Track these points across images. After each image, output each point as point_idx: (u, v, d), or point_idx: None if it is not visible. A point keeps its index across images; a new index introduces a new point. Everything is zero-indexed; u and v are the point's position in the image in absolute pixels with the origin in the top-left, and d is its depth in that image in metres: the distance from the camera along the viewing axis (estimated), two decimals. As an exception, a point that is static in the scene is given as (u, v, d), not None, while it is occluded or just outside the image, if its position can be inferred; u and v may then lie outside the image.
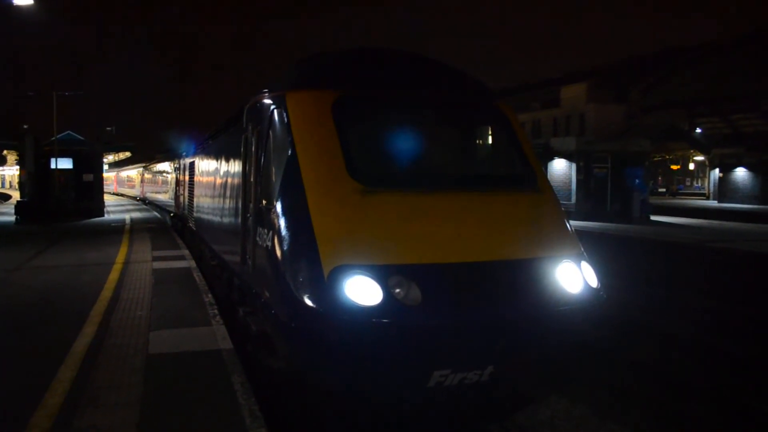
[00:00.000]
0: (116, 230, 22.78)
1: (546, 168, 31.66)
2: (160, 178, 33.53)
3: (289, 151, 6.15)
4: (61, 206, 28.57)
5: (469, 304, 5.44)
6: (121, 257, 14.78)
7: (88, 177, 31.07)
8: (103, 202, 32.62)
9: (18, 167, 32.77)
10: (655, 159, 54.42)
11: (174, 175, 22.95)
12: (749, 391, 8.58)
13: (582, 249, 6.50)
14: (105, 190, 37.42)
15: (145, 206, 42.17)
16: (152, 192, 39.53)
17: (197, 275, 12.13)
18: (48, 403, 5.34)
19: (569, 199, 30.84)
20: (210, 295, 10.07)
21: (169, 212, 26.77)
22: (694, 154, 52.52)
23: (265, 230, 6.36)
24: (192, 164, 15.91)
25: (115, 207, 40.54)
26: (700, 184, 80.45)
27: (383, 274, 5.29)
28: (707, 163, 50.81)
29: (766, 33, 39.16)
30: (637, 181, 29.39)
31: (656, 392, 8.55)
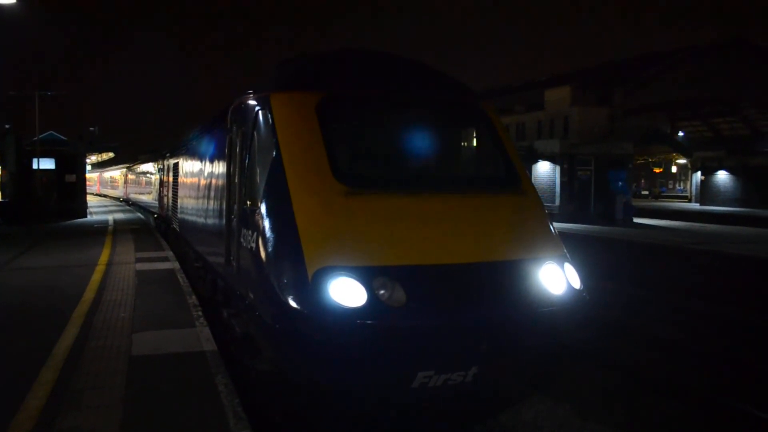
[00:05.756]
0: (99, 231, 22.61)
1: (530, 170, 31.81)
2: (144, 179, 33.29)
3: (274, 153, 6.15)
4: (43, 207, 28.29)
5: (453, 305, 5.46)
6: (103, 258, 14.67)
7: (71, 177, 30.81)
8: (85, 203, 32.35)
9: (-1, 167, 32.39)
10: (638, 162, 54.89)
11: (158, 176, 22.79)
12: (730, 390, 8.68)
13: (565, 250, 6.55)
14: (88, 191, 37.11)
15: (128, 207, 41.86)
16: (136, 193, 39.22)
17: (181, 277, 12.07)
18: (30, 405, 5.29)
19: (553, 201, 31.01)
20: (194, 297, 10.02)
21: (153, 213, 26.59)
22: (676, 157, 53.09)
23: (250, 231, 6.35)
24: (176, 165, 15.82)
25: (98, 208, 40.22)
26: (682, 187, 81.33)
27: (367, 276, 5.30)
28: (689, 166, 51.39)
29: (746, 38, 39.69)
30: (620, 183, 29.61)
31: (638, 392, 8.63)
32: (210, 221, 9.40)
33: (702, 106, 45.25)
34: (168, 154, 18.95)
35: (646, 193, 74.18)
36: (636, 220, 30.06)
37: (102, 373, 6.13)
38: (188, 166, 13.10)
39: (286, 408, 6.61)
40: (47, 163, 30.00)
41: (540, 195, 7.20)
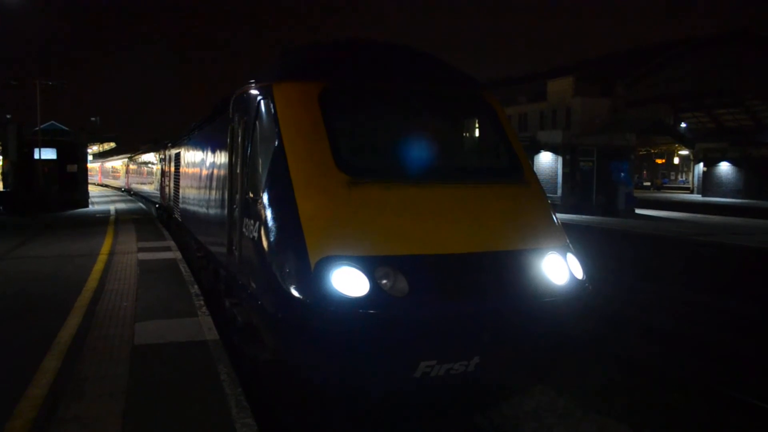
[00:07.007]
0: (101, 221, 22.62)
1: (532, 161, 31.74)
2: (146, 169, 33.30)
3: (276, 142, 6.14)
4: (45, 197, 28.31)
5: (456, 295, 5.46)
6: (106, 248, 14.68)
7: (73, 167, 30.85)
8: (87, 193, 32.39)
9: (0, 157, 32.43)
10: (641, 153, 54.79)
11: (159, 166, 22.80)
12: (732, 382, 8.70)
13: (568, 241, 6.54)
14: (89, 181, 37.11)
15: (130, 197, 41.88)
16: (137, 183, 39.25)
17: (183, 266, 12.08)
18: (32, 394, 5.31)
19: (555, 192, 30.98)
20: (196, 286, 10.03)
21: (155, 203, 26.60)
22: (678, 148, 52.98)
23: (252, 221, 6.34)
24: (178, 155, 15.81)
25: (99, 198, 40.23)
26: (684, 178, 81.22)
27: (370, 265, 5.30)
28: (691, 157, 51.25)
29: (749, 30, 39.52)
30: (622, 174, 29.57)
31: (640, 383, 8.65)
32: (212, 211, 9.40)
33: (705, 98, 45.09)
34: (170, 144, 18.94)
35: (648, 184, 74.03)
36: (638, 211, 30.05)
37: (104, 362, 6.14)
38: (190, 156, 13.09)
39: (288, 397, 6.63)
40: (49, 153, 30.02)
41: (542, 185, 7.18)
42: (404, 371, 5.46)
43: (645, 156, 65.26)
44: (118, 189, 54.77)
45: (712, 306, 13.46)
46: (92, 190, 43.08)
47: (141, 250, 14.42)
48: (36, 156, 28.91)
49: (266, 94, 6.60)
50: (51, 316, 7.94)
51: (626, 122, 34.18)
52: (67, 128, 37.70)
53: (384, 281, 5.27)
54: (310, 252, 5.34)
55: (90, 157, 65.88)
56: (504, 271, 5.78)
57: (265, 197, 6.05)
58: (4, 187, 30.70)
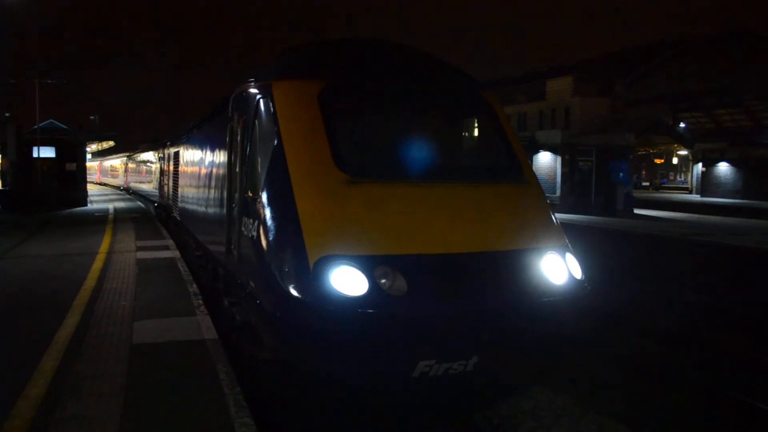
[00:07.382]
0: (99, 220, 22.59)
1: (531, 160, 31.70)
2: (144, 167, 33.25)
3: (275, 141, 6.13)
4: (44, 196, 28.27)
5: (455, 294, 5.46)
6: (104, 247, 14.67)
7: (71, 166, 30.80)
8: (86, 192, 32.32)
9: (-1, 156, 32.42)
10: (639, 153, 54.76)
11: (158, 165, 22.77)
12: (729, 381, 8.70)
13: (567, 240, 6.54)
14: (88, 180, 37.06)
15: (128, 196, 41.83)
16: (136, 182, 39.20)
17: (182, 265, 12.06)
18: (30, 393, 5.30)
19: (554, 192, 30.95)
20: (195, 286, 10.02)
21: (154, 202, 26.59)
22: (677, 148, 52.97)
23: (251, 220, 6.34)
24: (177, 154, 15.80)
25: (98, 196, 40.18)
26: (683, 179, 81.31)
27: (369, 265, 5.30)
28: (690, 157, 51.29)
29: (749, 30, 39.55)
30: (621, 174, 29.54)
31: (638, 383, 8.65)
32: (211, 210, 9.39)
33: (704, 98, 45.10)
34: (169, 143, 18.93)
35: (647, 184, 74.08)
36: (636, 211, 30.05)
37: (103, 361, 6.14)
38: (189, 155, 13.09)
39: (286, 397, 6.62)
40: (47, 152, 29.98)
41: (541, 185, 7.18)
42: (403, 371, 5.46)
43: (644, 156, 65.28)
44: (117, 188, 54.70)
45: (710, 306, 13.47)
46: (91, 188, 43.04)
47: (140, 248, 14.41)
48: (35, 155, 28.87)
49: (265, 92, 6.59)
50: (49, 315, 7.93)
51: (625, 122, 34.14)
52: (66, 127, 37.69)
53: (383, 281, 5.27)
54: (309, 251, 5.33)
55: (89, 156, 65.83)
56: (503, 270, 5.78)
57: (264, 196, 6.05)
58: (3, 186, 30.65)
